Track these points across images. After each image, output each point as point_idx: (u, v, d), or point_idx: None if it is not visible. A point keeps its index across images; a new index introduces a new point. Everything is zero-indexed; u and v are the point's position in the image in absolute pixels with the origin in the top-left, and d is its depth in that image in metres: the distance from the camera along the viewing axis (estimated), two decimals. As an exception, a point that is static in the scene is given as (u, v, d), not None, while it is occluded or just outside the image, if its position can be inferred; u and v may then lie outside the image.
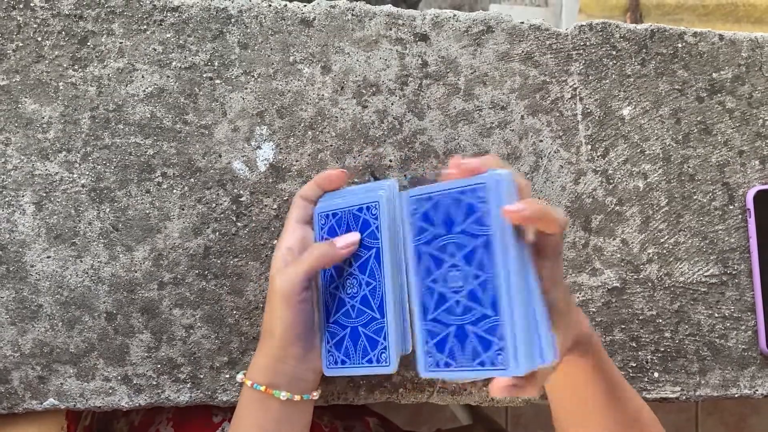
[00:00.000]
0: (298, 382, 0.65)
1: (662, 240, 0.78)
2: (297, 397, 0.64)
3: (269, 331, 0.64)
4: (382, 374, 0.60)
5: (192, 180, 0.71)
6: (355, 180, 0.73)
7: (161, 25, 0.70)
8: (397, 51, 0.73)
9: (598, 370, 0.64)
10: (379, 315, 0.61)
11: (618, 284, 0.78)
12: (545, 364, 0.54)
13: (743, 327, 0.80)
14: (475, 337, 0.55)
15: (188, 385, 0.72)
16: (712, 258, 0.79)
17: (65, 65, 0.69)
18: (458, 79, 0.74)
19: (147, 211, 0.70)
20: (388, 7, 0.73)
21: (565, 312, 0.58)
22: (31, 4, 0.68)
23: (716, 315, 0.79)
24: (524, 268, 0.54)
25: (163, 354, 0.71)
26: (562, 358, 0.57)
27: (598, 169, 0.77)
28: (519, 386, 0.53)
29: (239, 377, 0.66)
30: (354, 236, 0.63)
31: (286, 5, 0.72)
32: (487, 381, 0.55)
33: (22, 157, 0.68)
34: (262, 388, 0.63)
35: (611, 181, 0.77)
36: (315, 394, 0.67)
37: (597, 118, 0.77)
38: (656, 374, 0.79)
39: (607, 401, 0.65)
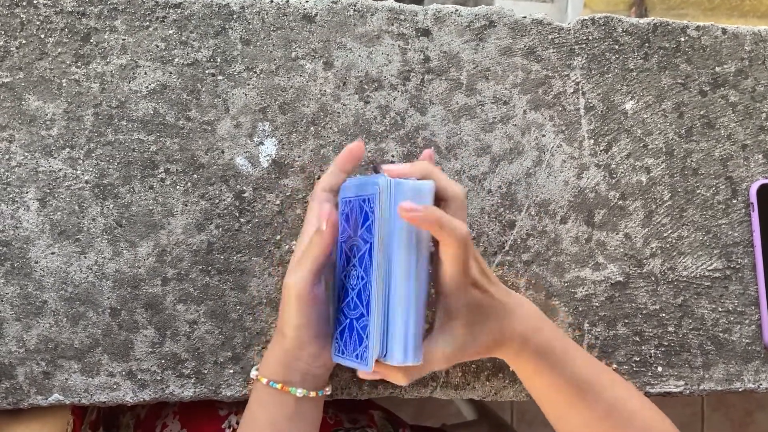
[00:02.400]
0: (311, 378, 0.65)
1: (665, 234, 0.78)
2: (312, 394, 0.65)
3: (283, 329, 0.64)
4: (362, 371, 0.61)
5: (195, 176, 0.71)
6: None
7: (164, 21, 0.70)
8: (399, 46, 0.73)
9: (544, 367, 0.65)
10: (366, 312, 0.60)
11: (621, 279, 0.78)
12: (406, 363, 0.58)
13: (747, 321, 0.80)
14: (356, 333, 0.61)
15: (192, 381, 0.72)
16: (715, 252, 0.79)
17: (68, 62, 0.69)
18: (460, 74, 0.74)
19: (150, 208, 0.71)
20: (390, 3, 0.73)
21: (466, 320, 0.61)
22: (34, 2, 0.68)
23: (720, 309, 0.79)
24: (406, 270, 0.58)
25: (167, 349, 0.72)
26: (447, 361, 0.61)
27: (600, 163, 0.77)
28: (382, 375, 0.60)
29: (253, 373, 0.67)
30: (325, 211, 0.61)
31: (287, 1, 0.72)
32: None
33: (26, 154, 0.69)
34: (279, 386, 0.64)
35: (614, 175, 0.77)
36: (327, 389, 0.67)
37: (600, 112, 0.77)
38: (660, 368, 0.79)
39: (565, 394, 0.66)
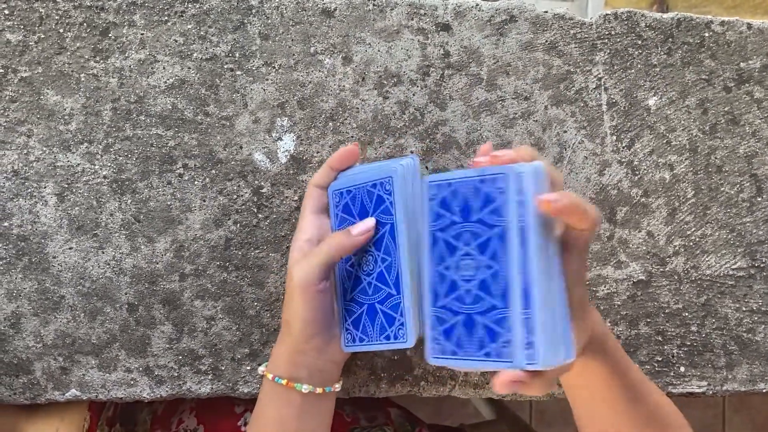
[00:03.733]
0: (319, 373, 0.64)
1: (689, 232, 0.77)
2: (319, 390, 0.64)
3: (288, 323, 0.63)
4: (400, 349, 0.59)
5: (213, 171, 0.70)
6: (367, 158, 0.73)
7: (182, 16, 0.70)
8: (418, 41, 0.73)
9: (613, 369, 0.63)
10: (395, 291, 0.60)
11: (644, 277, 0.76)
12: (560, 362, 0.53)
13: (772, 321, 0.78)
14: (483, 328, 0.54)
15: (209, 377, 0.72)
16: (739, 251, 0.78)
17: (87, 57, 0.69)
18: (481, 70, 0.73)
19: (168, 203, 0.70)
20: (410, -3, 0.73)
21: (582, 312, 0.57)
22: (53, -4, 0.68)
23: (744, 309, 0.78)
24: (548, 263, 0.53)
25: (185, 345, 0.71)
26: (577, 357, 0.55)
27: (623, 160, 0.76)
28: (525, 383, 0.52)
29: (260, 370, 0.66)
30: (369, 222, 0.62)
31: (307, -5, 0.71)
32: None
33: (45, 149, 0.68)
34: (284, 382, 0.63)
35: (637, 172, 0.76)
36: (337, 386, 0.66)
37: (622, 108, 0.76)
38: (682, 369, 0.78)
39: (622, 400, 0.64)
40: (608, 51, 0.75)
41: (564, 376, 0.67)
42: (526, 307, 0.52)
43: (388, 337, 0.61)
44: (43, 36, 0.68)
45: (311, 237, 0.65)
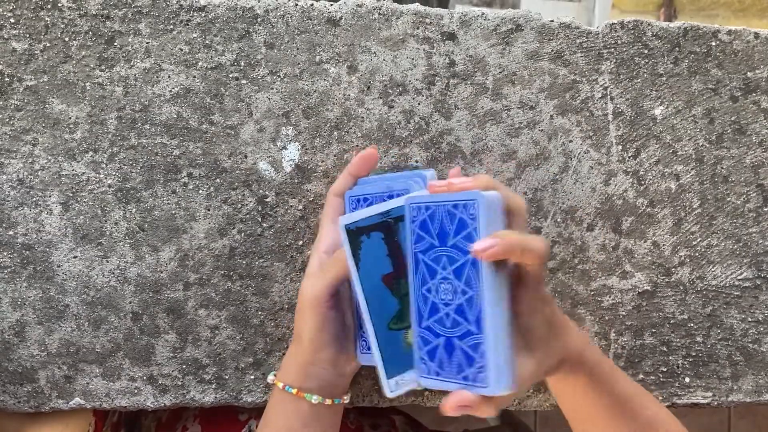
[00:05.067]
0: (329, 385, 0.64)
1: (694, 242, 0.77)
2: (328, 401, 0.64)
3: (299, 336, 0.63)
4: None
5: (218, 180, 0.70)
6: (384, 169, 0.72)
7: (188, 25, 0.70)
8: (424, 50, 0.72)
9: (594, 383, 0.63)
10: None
11: (649, 287, 0.76)
12: (505, 392, 0.54)
13: (778, 332, 0.78)
14: (461, 352, 0.56)
15: (213, 386, 0.72)
16: (745, 261, 0.77)
17: (92, 65, 0.69)
18: (486, 79, 0.73)
19: (173, 212, 0.70)
20: (416, 6, 0.72)
21: (545, 338, 0.58)
22: (59, 5, 0.68)
23: (749, 319, 0.78)
24: (499, 294, 0.54)
25: (189, 354, 0.71)
26: (530, 384, 0.58)
27: (629, 170, 0.75)
28: (473, 407, 0.53)
29: (270, 378, 0.66)
30: None
31: (312, 4, 0.71)
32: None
33: (50, 158, 0.69)
34: (294, 391, 0.63)
35: (642, 182, 0.75)
36: (345, 398, 0.67)
37: (628, 118, 0.75)
38: (687, 379, 0.77)
39: (608, 413, 0.64)
40: (614, 60, 0.75)
41: (555, 390, 0.68)
42: (479, 332, 0.54)
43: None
44: (48, 44, 0.68)
45: (328, 249, 0.65)
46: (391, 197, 0.61)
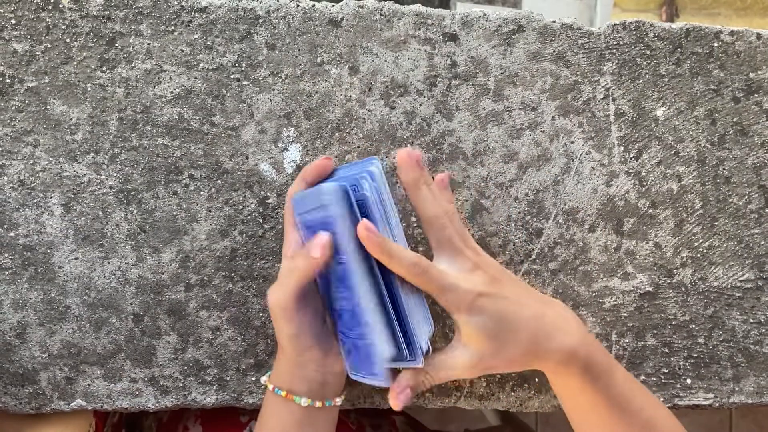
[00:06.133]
0: (319, 386, 0.63)
1: (696, 244, 0.76)
2: (318, 404, 0.63)
3: (280, 343, 0.63)
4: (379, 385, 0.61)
5: (219, 182, 0.70)
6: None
7: (189, 26, 0.70)
8: (425, 51, 0.72)
9: (590, 382, 0.63)
10: (364, 330, 0.59)
11: (650, 289, 0.76)
12: (411, 365, 0.59)
13: (779, 333, 0.78)
14: (364, 351, 0.60)
15: (214, 387, 0.72)
16: (747, 262, 0.77)
17: (93, 67, 0.69)
18: (488, 80, 0.73)
19: (174, 213, 0.70)
20: (417, 7, 0.72)
21: (483, 331, 0.60)
22: (60, 6, 0.68)
23: (751, 321, 0.78)
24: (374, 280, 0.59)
25: (190, 356, 0.71)
26: (507, 369, 0.62)
27: (630, 171, 0.75)
28: (403, 392, 0.60)
29: (263, 380, 0.66)
30: (322, 237, 0.59)
31: (314, 5, 0.71)
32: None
33: (51, 159, 0.68)
34: (283, 393, 0.62)
35: (644, 183, 0.75)
36: (338, 399, 0.65)
37: (630, 119, 0.75)
38: (689, 380, 0.77)
39: (605, 412, 0.64)
40: (616, 61, 0.75)
41: (555, 389, 0.67)
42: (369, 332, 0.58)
43: (373, 375, 0.61)
44: (49, 46, 0.68)
45: (295, 251, 0.64)
46: (323, 223, 0.60)
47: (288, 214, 0.65)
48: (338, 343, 0.65)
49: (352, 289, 0.58)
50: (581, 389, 0.63)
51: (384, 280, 0.59)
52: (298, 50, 0.71)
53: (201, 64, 0.70)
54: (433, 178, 0.64)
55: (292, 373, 0.63)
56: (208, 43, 0.70)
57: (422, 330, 0.61)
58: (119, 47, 0.69)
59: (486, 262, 0.63)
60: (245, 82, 0.70)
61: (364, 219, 0.57)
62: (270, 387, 0.63)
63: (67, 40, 0.68)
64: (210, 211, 0.71)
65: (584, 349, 0.63)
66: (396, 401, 0.59)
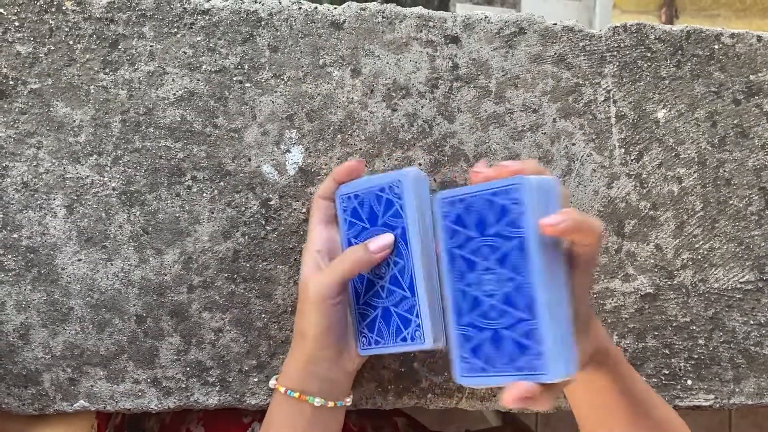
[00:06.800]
0: (330, 385, 0.64)
1: (697, 245, 0.77)
2: (330, 404, 0.64)
3: (302, 334, 0.63)
4: (420, 350, 0.61)
5: (222, 183, 0.71)
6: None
7: (191, 28, 0.70)
8: (427, 53, 0.73)
9: (616, 381, 0.63)
10: (410, 293, 0.60)
11: (651, 290, 0.76)
12: (569, 375, 0.53)
13: (780, 334, 0.78)
14: (512, 342, 0.54)
15: (217, 389, 0.72)
16: (747, 264, 0.78)
17: (96, 69, 0.69)
18: (489, 82, 0.73)
19: (177, 215, 0.70)
20: (419, 9, 0.73)
21: (587, 324, 0.58)
22: (63, 8, 0.68)
23: (752, 322, 0.78)
24: (557, 275, 0.54)
25: (193, 357, 0.72)
26: (580, 370, 0.56)
27: (631, 173, 0.75)
28: (534, 398, 0.52)
29: (272, 383, 0.66)
30: (388, 238, 0.62)
31: (316, 8, 0.71)
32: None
33: (54, 161, 0.69)
34: (296, 395, 0.63)
35: (645, 185, 0.76)
36: (348, 400, 0.66)
37: (631, 121, 0.75)
38: (689, 382, 0.77)
39: (627, 412, 0.64)
40: (617, 63, 0.75)
41: (569, 387, 0.67)
42: (532, 318, 0.52)
43: (404, 339, 0.61)
44: (53, 48, 0.68)
45: (321, 248, 0.65)
46: (383, 190, 0.62)
47: (316, 213, 0.66)
48: (359, 343, 0.65)
49: (403, 254, 0.59)
50: (607, 387, 0.63)
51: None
52: (301, 52, 0.71)
53: (204, 66, 0.70)
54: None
55: (305, 370, 0.63)
56: (211, 45, 0.70)
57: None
58: (122, 49, 0.69)
59: None
60: (248, 84, 0.71)
61: (544, 219, 0.52)
62: (282, 390, 0.64)
63: (71, 42, 0.69)
64: (212, 213, 0.71)
65: (614, 348, 0.63)
66: (514, 403, 0.52)
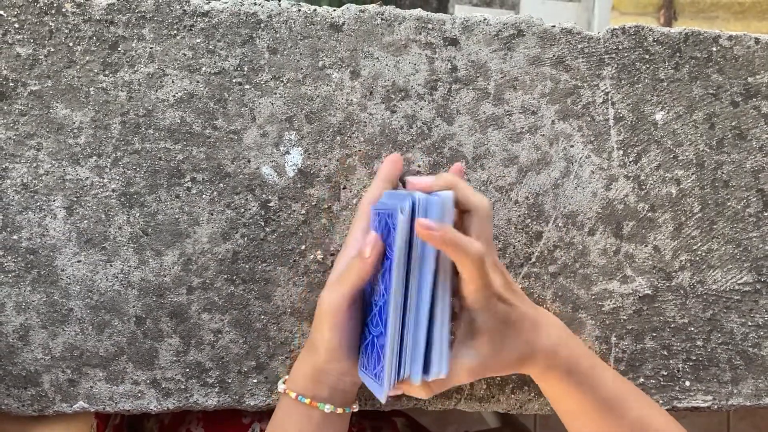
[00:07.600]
0: (339, 393, 0.65)
1: (695, 247, 0.77)
2: (339, 410, 0.64)
3: (314, 346, 0.64)
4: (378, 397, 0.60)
5: (221, 185, 0.71)
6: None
7: (191, 30, 0.70)
8: (426, 55, 0.73)
9: (577, 385, 0.64)
10: (384, 331, 0.59)
11: (649, 292, 0.76)
12: (427, 378, 0.58)
13: (777, 336, 0.79)
14: (376, 351, 0.59)
15: (216, 390, 0.72)
16: (745, 265, 0.78)
17: (96, 70, 0.69)
18: (488, 84, 0.74)
19: (176, 216, 0.70)
20: (418, 11, 0.73)
21: (492, 333, 0.60)
22: (63, 10, 0.68)
23: (749, 323, 0.78)
24: (423, 294, 0.57)
25: (192, 358, 0.72)
26: (473, 376, 0.61)
27: (630, 174, 0.76)
28: (404, 389, 0.60)
29: (281, 387, 0.66)
30: (371, 237, 0.60)
31: (315, 10, 0.71)
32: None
33: (54, 162, 0.69)
34: (307, 401, 0.63)
35: (643, 187, 0.76)
36: (354, 406, 0.68)
37: (629, 123, 0.76)
38: (688, 383, 0.78)
39: (594, 416, 0.65)
40: (616, 65, 0.75)
41: (544, 394, 0.68)
42: (385, 334, 0.58)
43: (376, 376, 0.60)
44: (52, 50, 0.69)
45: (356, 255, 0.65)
46: (389, 216, 0.61)
47: (361, 219, 0.66)
48: (358, 362, 0.65)
49: (389, 289, 0.59)
50: (567, 392, 0.65)
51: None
52: (300, 54, 0.71)
53: (203, 68, 0.70)
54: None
55: (317, 379, 0.64)
56: (210, 47, 0.70)
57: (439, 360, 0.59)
58: (122, 51, 0.69)
59: (500, 262, 0.64)
60: (247, 86, 0.71)
61: (420, 219, 0.55)
62: (292, 395, 0.64)
63: (70, 44, 0.69)
64: (212, 215, 0.71)
65: (566, 350, 0.64)
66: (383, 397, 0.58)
